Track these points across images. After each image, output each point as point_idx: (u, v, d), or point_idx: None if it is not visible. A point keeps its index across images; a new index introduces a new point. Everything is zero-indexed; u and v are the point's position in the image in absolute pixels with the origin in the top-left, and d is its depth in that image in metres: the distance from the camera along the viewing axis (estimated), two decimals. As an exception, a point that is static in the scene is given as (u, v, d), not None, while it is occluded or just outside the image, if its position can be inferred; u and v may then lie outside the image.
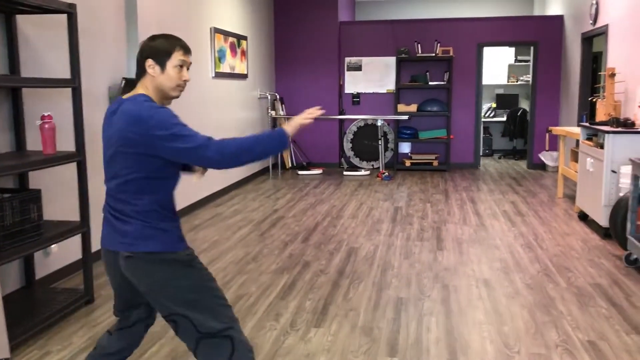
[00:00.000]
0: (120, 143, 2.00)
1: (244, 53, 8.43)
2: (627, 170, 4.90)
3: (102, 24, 4.84)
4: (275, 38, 10.19)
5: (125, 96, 2.11)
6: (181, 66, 2.14)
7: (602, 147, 5.31)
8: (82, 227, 3.69)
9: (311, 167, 9.99)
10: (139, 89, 2.14)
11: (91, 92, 4.68)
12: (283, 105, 10.09)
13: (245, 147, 2.02)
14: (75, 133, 3.65)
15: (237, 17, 8.22)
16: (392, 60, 10.03)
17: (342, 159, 10.29)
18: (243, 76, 8.43)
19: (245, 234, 5.58)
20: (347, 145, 10.14)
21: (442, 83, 9.74)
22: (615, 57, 6.90)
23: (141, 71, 2.13)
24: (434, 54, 9.70)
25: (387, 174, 8.97)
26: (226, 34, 7.69)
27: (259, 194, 7.70)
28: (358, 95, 10.24)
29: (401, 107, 9.79)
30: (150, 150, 1.98)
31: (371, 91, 10.20)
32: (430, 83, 9.74)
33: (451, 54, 9.69)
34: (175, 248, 2.06)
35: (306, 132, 10.31)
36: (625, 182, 4.91)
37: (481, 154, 11.44)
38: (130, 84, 2.21)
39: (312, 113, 2.16)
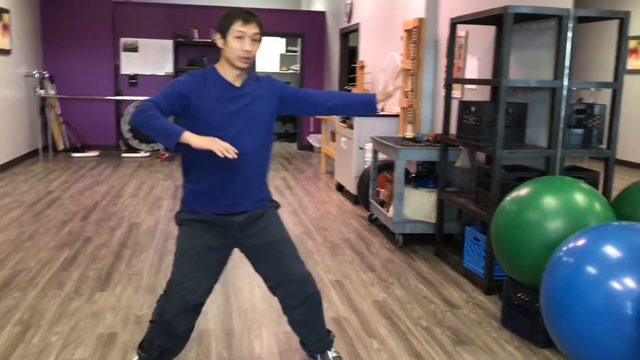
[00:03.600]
0: None
1: (6, 27, 7.88)
2: (370, 146, 5.89)
3: None
4: (41, 13, 9.61)
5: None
6: (241, 37, 2.23)
7: (352, 128, 6.27)
8: None
9: (86, 149, 9.71)
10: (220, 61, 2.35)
11: None
12: (53, 84, 9.61)
13: (148, 125, 2.14)
14: None
15: (-3, -12, 7.65)
16: (169, 43, 10.18)
17: (120, 141, 10.17)
18: (6, 52, 7.89)
19: (17, 215, 5.41)
20: (124, 127, 10.05)
21: (219, 68, 10.18)
22: (364, 51, 8.05)
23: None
24: (210, 40, 10.10)
25: (167, 155, 9.17)
26: (-15, 5, 7.14)
27: (29, 177, 7.35)
28: (135, 76, 10.20)
29: (179, 90, 9.99)
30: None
31: (149, 73, 10.24)
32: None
33: (227, 40, 10.17)
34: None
35: (79, 113, 9.95)
36: (369, 156, 5.91)
37: (257, 136, 12.19)
38: None
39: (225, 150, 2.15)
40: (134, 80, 10.21)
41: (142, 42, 10.15)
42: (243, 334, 3.05)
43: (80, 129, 10.00)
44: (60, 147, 9.62)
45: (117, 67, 10.08)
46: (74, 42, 9.80)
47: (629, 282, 2.25)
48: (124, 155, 9.41)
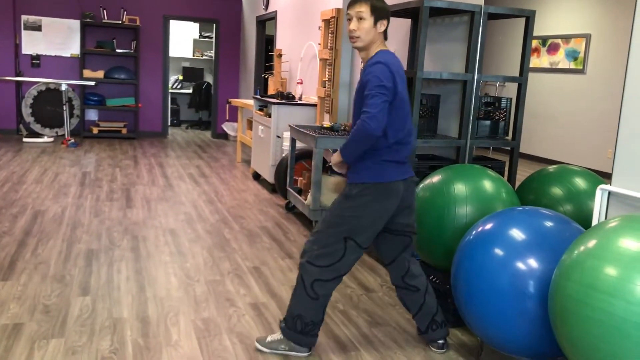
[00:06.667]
0: None
1: None
2: (287, 135, 5.91)
3: None
4: None
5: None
6: (349, 19, 2.52)
7: (270, 116, 6.25)
8: None
9: (-17, 133, 9.07)
10: None
11: None
12: (-56, 63, 8.88)
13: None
14: None
15: None
16: (76, 24, 9.68)
17: (21, 125, 9.58)
18: None
19: None
20: (26, 111, 9.46)
21: (130, 51, 9.83)
22: (282, 40, 8.03)
23: None
24: (120, 22, 9.70)
25: (73, 140, 8.74)
26: None
27: None
28: (38, 57, 9.62)
29: (87, 73, 9.56)
30: None
31: (53, 54, 9.69)
32: (117, 50, 9.73)
33: (138, 23, 9.83)
34: None
35: (-25, 94, 9.27)
36: (287, 145, 5.93)
37: (169, 123, 11.89)
38: None
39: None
40: (36, 61, 9.62)
41: (46, 20, 9.58)
42: (159, 321, 2.99)
43: (-25, 111, 9.32)
44: (-47, 130, 8.92)
45: (17, 47, 9.46)
46: (-32, 17, 9.09)
47: (532, 263, 2.41)
48: (25, 140, 8.87)
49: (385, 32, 2.59)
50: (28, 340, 2.70)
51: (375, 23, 2.52)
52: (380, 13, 2.53)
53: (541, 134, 8.67)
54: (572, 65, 9.18)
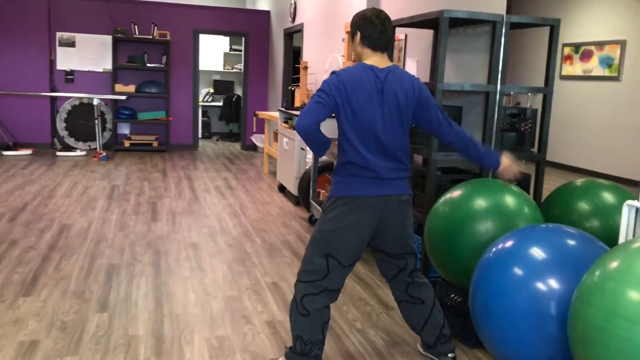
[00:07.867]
0: (409, 108, 2.54)
1: None
2: (312, 147, 5.88)
3: None
4: (-30, 4, 9.16)
5: (384, 65, 2.52)
6: None
7: (294, 128, 6.23)
8: None
9: (18, 147, 9.30)
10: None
11: None
12: (-17, 79, 9.16)
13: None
14: None
15: None
16: (108, 39, 9.88)
17: (55, 139, 9.80)
18: None
19: (-62, 216, 5.11)
20: (60, 125, 9.69)
21: (160, 66, 9.98)
22: (308, 52, 8.03)
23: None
24: (151, 37, 9.86)
25: (104, 154, 8.89)
26: None
27: (-46, 176, 6.97)
28: (72, 72, 9.85)
29: (119, 87, 9.74)
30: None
31: (86, 69, 9.90)
32: (148, 65, 9.89)
33: (168, 37, 9.97)
34: None
35: (12, 109, 9.53)
36: (310, 157, 5.89)
37: (200, 136, 12.01)
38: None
39: None
40: (70, 77, 9.85)
41: (79, 37, 9.80)
42: (174, 339, 2.97)
43: (12, 126, 9.58)
44: (-10, 144, 9.19)
45: (52, 63, 9.71)
46: (6, 36, 9.38)
47: (553, 283, 2.31)
48: (59, 154, 9.06)
49: (365, 43, 2.54)
50: (43, 358, 2.71)
51: (352, 39, 2.66)
52: (352, 29, 2.64)
53: (574, 142, 8.43)
54: (606, 73, 8.91)
